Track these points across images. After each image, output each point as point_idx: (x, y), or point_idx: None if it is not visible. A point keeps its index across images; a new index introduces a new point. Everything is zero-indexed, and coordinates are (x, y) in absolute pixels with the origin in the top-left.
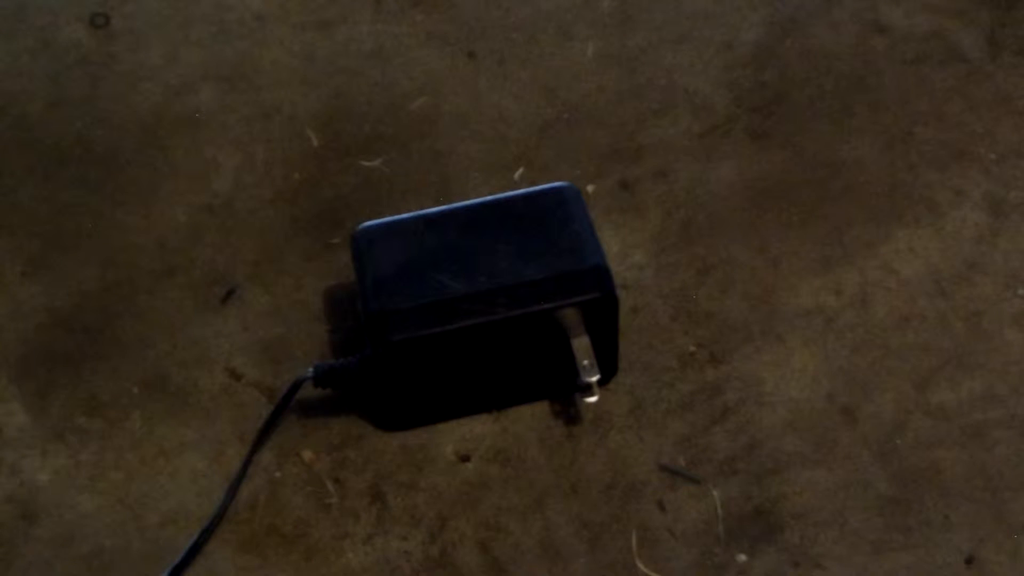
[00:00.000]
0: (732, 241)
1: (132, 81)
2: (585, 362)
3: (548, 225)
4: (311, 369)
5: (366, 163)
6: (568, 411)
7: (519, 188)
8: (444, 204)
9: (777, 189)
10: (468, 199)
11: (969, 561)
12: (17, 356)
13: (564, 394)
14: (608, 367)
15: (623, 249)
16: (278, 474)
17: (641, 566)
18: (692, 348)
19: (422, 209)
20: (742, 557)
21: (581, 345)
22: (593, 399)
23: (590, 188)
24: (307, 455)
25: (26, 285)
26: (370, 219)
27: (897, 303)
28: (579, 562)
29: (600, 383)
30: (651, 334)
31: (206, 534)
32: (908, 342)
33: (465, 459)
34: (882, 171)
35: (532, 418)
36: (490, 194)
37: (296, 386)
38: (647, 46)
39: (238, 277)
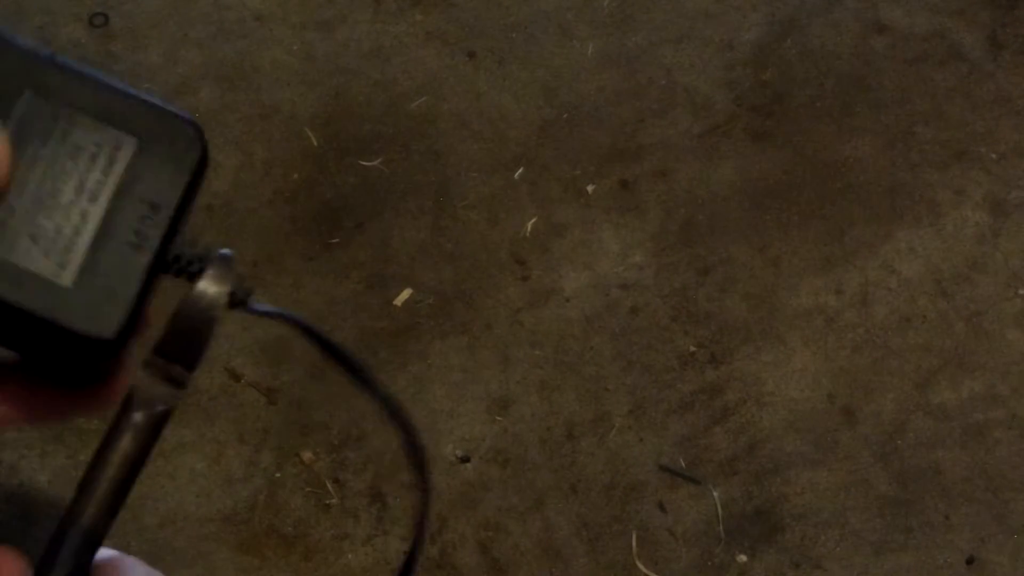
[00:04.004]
0: (732, 241)
1: (131, 81)
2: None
3: None
4: None
5: (365, 163)
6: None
7: (519, 188)
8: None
9: (777, 189)
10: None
11: (970, 561)
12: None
13: None
14: None
15: (623, 249)
16: (278, 475)
17: (641, 566)
18: (692, 348)
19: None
20: (742, 558)
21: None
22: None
23: (590, 188)
24: (307, 456)
25: None
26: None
27: (898, 303)
28: (579, 562)
29: None
30: (651, 334)
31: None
32: (909, 342)
33: (465, 460)
34: (882, 171)
35: (532, 419)
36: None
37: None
38: (647, 46)
39: None
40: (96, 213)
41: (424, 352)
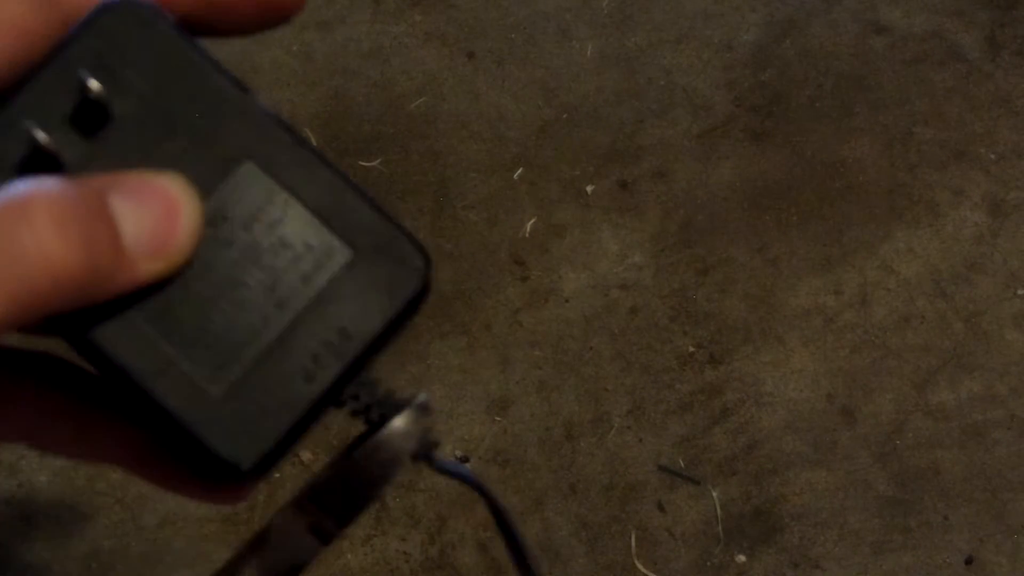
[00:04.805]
0: (732, 241)
1: None
2: None
3: None
4: None
5: (365, 163)
6: None
7: (518, 188)
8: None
9: (777, 189)
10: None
11: (969, 562)
12: None
13: None
14: None
15: (622, 249)
16: (277, 475)
17: (640, 566)
18: (692, 348)
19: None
20: (741, 558)
21: None
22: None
23: (589, 189)
24: (306, 455)
25: None
26: None
27: (897, 303)
28: (578, 562)
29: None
30: (651, 334)
31: None
32: (908, 342)
33: (464, 460)
34: (882, 171)
35: (531, 419)
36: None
37: None
38: (647, 46)
39: None
40: (278, 323)
41: (423, 352)
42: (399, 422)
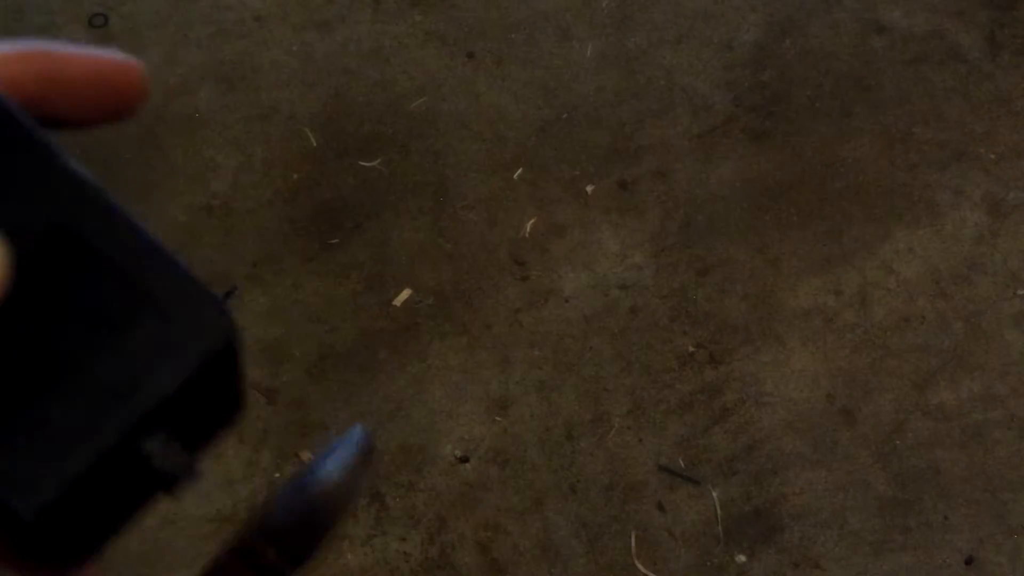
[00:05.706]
0: (732, 241)
1: None
2: None
3: None
4: None
5: (364, 163)
6: None
7: (518, 188)
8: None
9: (777, 189)
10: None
11: (969, 562)
12: None
13: None
14: None
15: (622, 249)
16: (277, 475)
17: (640, 567)
18: (692, 348)
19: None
20: (741, 558)
21: None
22: None
23: (589, 189)
24: (306, 456)
25: None
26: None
27: (897, 303)
28: (578, 563)
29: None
30: (651, 334)
31: None
32: (908, 342)
33: (464, 460)
34: (882, 171)
35: (531, 419)
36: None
37: None
38: (647, 46)
39: (237, 277)
40: (72, 377)
41: (423, 352)
42: (340, 459)
